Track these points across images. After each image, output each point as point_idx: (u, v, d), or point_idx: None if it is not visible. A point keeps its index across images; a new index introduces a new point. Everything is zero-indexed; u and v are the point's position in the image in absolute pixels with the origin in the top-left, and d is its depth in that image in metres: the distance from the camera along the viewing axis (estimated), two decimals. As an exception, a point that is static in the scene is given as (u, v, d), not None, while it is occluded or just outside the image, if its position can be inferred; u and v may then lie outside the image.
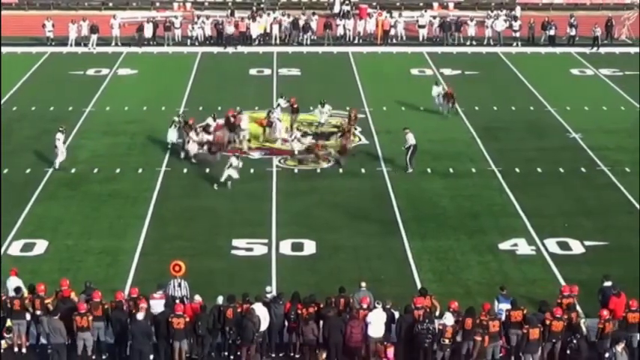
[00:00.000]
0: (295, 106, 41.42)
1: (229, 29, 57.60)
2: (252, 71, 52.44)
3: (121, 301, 24.23)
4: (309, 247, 30.67)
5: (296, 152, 37.87)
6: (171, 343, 23.73)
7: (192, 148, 37.56)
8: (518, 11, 62.47)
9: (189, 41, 58.18)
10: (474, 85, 49.34)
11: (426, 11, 62.44)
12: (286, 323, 24.51)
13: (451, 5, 67.20)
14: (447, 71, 52.16)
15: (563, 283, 27.53)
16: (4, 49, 53.99)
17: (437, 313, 24.61)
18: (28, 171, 36.77)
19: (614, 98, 47.57)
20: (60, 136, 36.97)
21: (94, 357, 24.14)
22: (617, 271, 27.00)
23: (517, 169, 37.36)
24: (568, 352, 23.82)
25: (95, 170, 37.06)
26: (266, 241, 30.92)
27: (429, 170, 37.19)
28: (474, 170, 37.43)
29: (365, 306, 24.22)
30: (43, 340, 24.56)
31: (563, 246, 30.89)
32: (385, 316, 24.01)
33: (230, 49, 56.89)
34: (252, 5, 63.90)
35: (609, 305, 24.64)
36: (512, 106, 46.04)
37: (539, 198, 34.68)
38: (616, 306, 24.58)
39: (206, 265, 29.05)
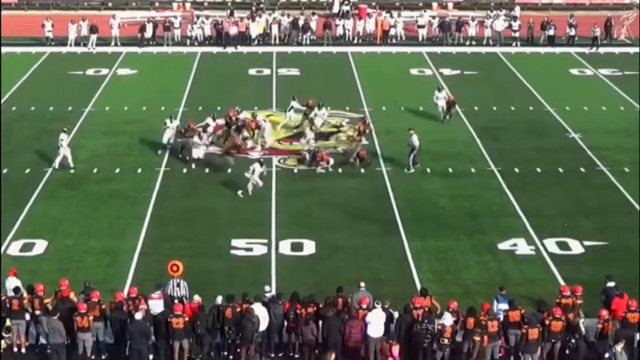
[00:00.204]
0: (310, 103, 41.23)
1: (232, 30, 57.57)
2: (252, 71, 52.43)
3: (122, 302, 24.24)
4: (309, 247, 30.68)
5: (307, 158, 37.46)
6: (171, 344, 23.75)
7: (199, 152, 37.16)
8: (517, 11, 62.44)
9: (188, 41, 58.15)
10: (473, 85, 49.35)
11: (425, 11, 62.44)
12: (285, 323, 24.52)
13: (450, 5, 67.21)
14: (447, 71, 52.16)
15: (562, 283, 27.54)
16: (4, 49, 53.95)
17: (438, 314, 24.60)
18: (27, 171, 36.76)
19: (614, 98, 47.57)
20: (64, 136, 36.97)
21: (93, 357, 24.14)
22: (616, 271, 26.97)
23: (516, 169, 37.37)
24: (567, 352, 23.84)
25: (95, 170, 37.06)
26: (265, 241, 30.93)
27: (428, 170, 37.19)
28: (473, 170, 37.45)
29: (364, 306, 24.22)
30: (42, 340, 24.57)
31: (563, 246, 30.90)
32: (384, 316, 24.02)
33: (230, 49, 56.88)
34: (251, 5, 63.91)
35: (612, 306, 24.66)
36: (512, 106, 46.04)
37: (539, 198, 34.70)
38: (618, 307, 24.59)
39: (205, 265, 29.06)
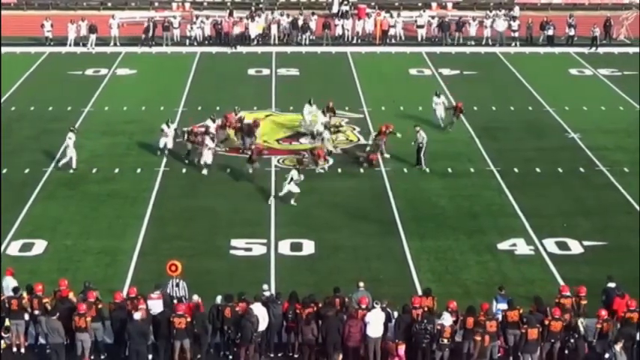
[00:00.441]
0: (331, 105, 41.04)
1: (236, 30, 57.49)
2: (251, 71, 52.42)
3: (124, 301, 24.24)
4: (308, 247, 30.67)
5: (307, 158, 37.27)
6: (172, 343, 23.74)
7: (208, 157, 36.60)
8: (516, 11, 62.49)
9: (187, 41, 58.17)
10: (472, 85, 49.35)
11: (424, 11, 62.48)
12: (284, 323, 24.52)
13: (449, 5, 67.22)
14: (446, 71, 52.17)
15: (561, 283, 27.54)
16: (3, 49, 53.94)
17: (437, 314, 24.60)
18: (27, 171, 36.75)
19: (613, 98, 47.58)
20: (72, 136, 36.91)
21: (92, 357, 24.13)
22: (616, 271, 26.95)
23: (516, 169, 37.36)
24: (566, 352, 23.85)
25: (94, 170, 37.05)
26: (265, 241, 30.92)
27: (427, 170, 37.19)
28: (472, 170, 37.45)
29: (363, 306, 24.22)
30: (41, 340, 24.58)
31: (562, 246, 30.89)
32: (384, 316, 24.02)
33: (229, 49, 56.86)
34: (250, 5, 63.92)
35: (613, 306, 24.66)
36: (511, 106, 46.05)
37: (538, 198, 34.69)
38: (619, 307, 24.59)
39: (205, 265, 29.05)
